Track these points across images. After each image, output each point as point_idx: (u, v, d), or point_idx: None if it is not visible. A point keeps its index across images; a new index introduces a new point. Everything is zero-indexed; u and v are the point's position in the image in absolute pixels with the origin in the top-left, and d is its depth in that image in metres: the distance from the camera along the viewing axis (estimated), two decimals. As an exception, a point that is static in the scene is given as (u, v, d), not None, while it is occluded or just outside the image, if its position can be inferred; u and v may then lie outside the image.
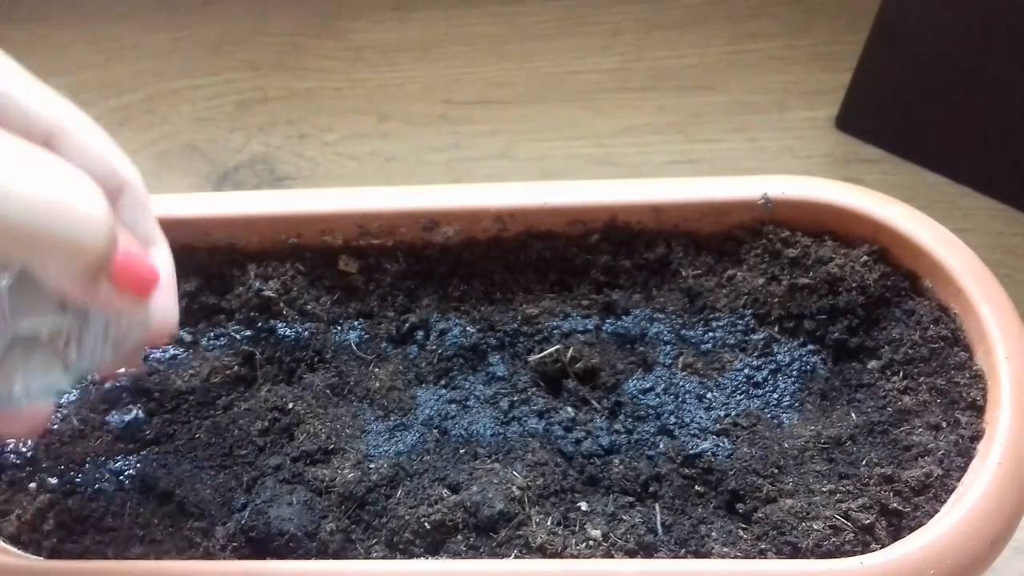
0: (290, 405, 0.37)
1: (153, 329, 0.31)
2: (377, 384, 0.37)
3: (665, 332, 0.38)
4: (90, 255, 0.24)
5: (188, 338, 0.39)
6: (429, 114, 0.61)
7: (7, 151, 0.22)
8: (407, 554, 0.32)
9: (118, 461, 0.36)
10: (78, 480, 0.35)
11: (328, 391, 0.37)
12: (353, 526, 0.33)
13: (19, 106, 0.27)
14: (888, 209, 0.37)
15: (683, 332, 0.38)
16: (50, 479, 0.35)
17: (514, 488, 0.33)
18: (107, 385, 0.38)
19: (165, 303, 0.31)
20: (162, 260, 0.32)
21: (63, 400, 0.37)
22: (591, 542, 0.32)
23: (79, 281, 0.25)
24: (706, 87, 0.60)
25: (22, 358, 0.28)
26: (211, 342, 0.39)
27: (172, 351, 0.39)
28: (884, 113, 0.54)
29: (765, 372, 0.37)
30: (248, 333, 0.39)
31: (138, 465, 0.36)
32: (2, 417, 0.29)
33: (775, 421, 0.36)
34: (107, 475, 0.35)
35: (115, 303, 0.27)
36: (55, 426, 0.36)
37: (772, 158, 0.55)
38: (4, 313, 0.27)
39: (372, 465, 0.35)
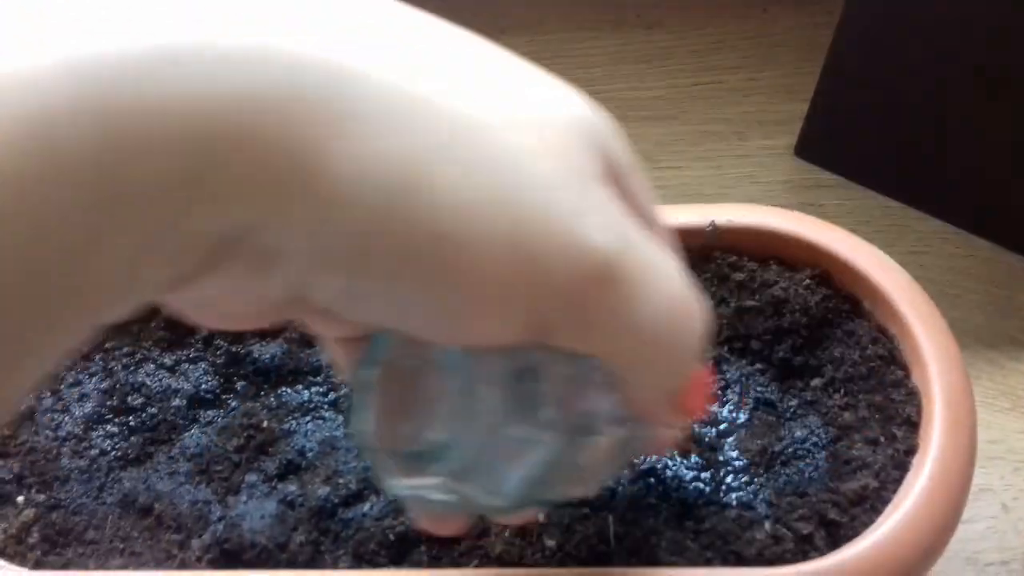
0: (265, 423, 0.38)
1: (657, 444, 0.27)
2: (348, 403, 0.39)
3: (622, 353, 0.40)
4: (690, 369, 0.21)
5: (169, 362, 0.41)
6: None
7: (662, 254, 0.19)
8: (372, 564, 0.34)
9: (101, 477, 0.38)
10: (62, 496, 0.37)
11: (301, 410, 0.39)
12: (322, 538, 0.35)
13: (631, 182, 0.22)
14: (829, 235, 0.39)
15: (639, 353, 0.40)
16: (36, 495, 0.37)
17: (475, 501, 0.35)
18: (90, 405, 0.39)
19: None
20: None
21: (47, 419, 0.39)
22: (547, 552, 0.34)
23: (665, 398, 0.21)
24: (671, 117, 0.62)
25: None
26: (190, 366, 0.41)
27: (156, 374, 0.41)
28: (840, 141, 0.57)
29: (715, 390, 0.39)
30: (225, 356, 0.41)
31: (120, 481, 0.37)
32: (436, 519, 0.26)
33: (724, 437, 0.38)
34: (90, 491, 0.37)
35: (668, 421, 0.23)
36: (40, 443, 0.38)
37: (733, 184, 0.58)
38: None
39: (341, 480, 0.36)
